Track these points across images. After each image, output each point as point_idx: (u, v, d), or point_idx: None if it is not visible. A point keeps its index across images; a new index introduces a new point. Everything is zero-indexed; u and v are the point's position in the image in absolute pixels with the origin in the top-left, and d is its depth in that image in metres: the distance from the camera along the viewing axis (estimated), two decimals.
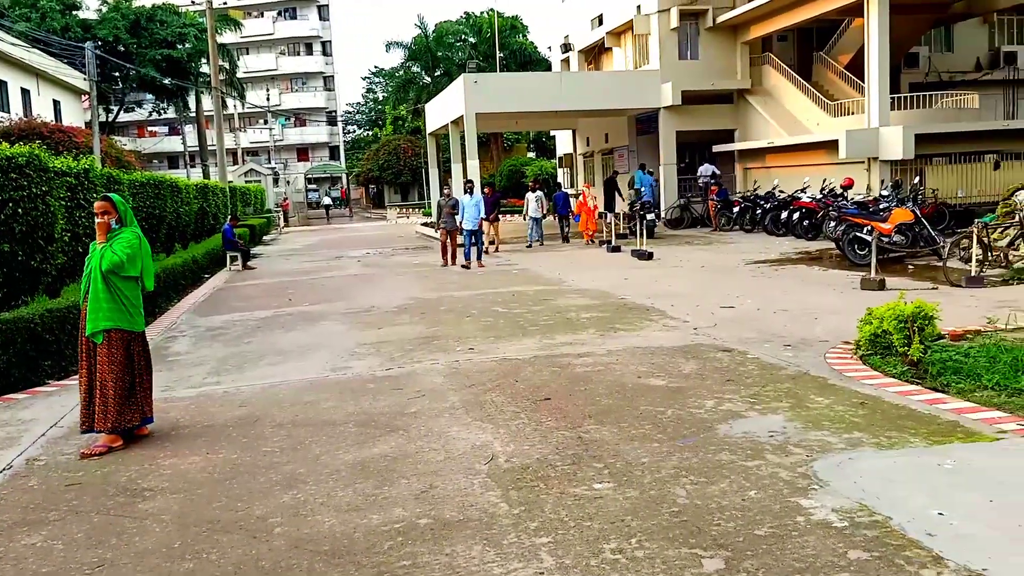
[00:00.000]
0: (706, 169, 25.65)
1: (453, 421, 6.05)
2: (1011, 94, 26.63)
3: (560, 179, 38.50)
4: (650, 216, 21.81)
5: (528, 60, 54.08)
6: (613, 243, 19.96)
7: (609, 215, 22.47)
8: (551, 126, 40.10)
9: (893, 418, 5.49)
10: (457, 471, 4.95)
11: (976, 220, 13.87)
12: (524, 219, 25.04)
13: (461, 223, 17.79)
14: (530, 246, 22.00)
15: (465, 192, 18.30)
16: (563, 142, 39.23)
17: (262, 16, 74.86)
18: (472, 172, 24.98)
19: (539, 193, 23.06)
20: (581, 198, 23.54)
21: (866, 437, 5.12)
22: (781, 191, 21.76)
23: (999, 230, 13.85)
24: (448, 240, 18.18)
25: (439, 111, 31.02)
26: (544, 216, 23.19)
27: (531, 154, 57.55)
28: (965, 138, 21.17)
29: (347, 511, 4.43)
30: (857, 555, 3.53)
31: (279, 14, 75.66)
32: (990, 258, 13.04)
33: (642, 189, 23.14)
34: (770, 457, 4.85)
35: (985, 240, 12.96)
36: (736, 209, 23.16)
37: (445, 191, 19.34)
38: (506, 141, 59.56)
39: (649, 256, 17.26)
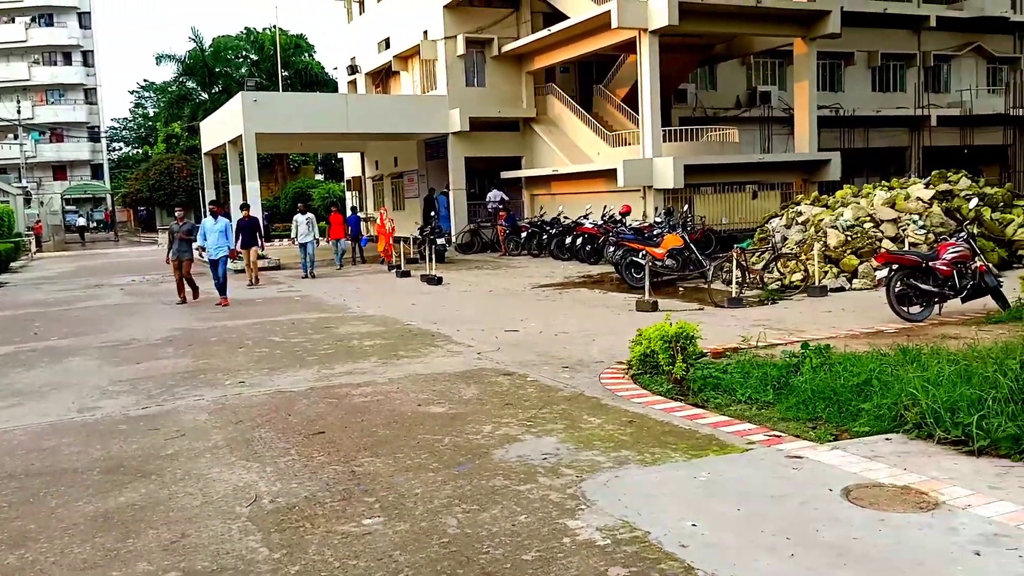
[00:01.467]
0: (495, 195, 26.36)
1: (215, 461, 5.67)
2: (767, 130, 29.67)
3: (349, 202, 37.97)
4: (440, 241, 22.02)
5: (314, 81, 53.11)
6: (402, 268, 19.91)
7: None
8: (338, 148, 39.56)
9: (657, 435, 5.82)
10: (215, 516, 4.63)
11: (735, 245, 15.23)
12: (294, 244, 22.22)
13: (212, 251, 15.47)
14: (306, 276, 19.98)
15: (210, 215, 15.94)
16: (351, 165, 38.78)
17: (13, 22, 68.01)
18: (252, 194, 24.03)
19: (309, 216, 21.06)
20: (379, 221, 23.35)
21: (632, 455, 5.37)
22: (566, 217, 22.77)
23: (756, 254, 15.31)
24: (181, 272, 15.49)
25: (216, 129, 29.62)
26: (316, 241, 21.32)
27: (319, 176, 56.37)
28: (728, 169, 23.31)
29: (83, 569, 4.00)
30: (617, 572, 3.66)
31: (33, 20, 69.06)
32: (748, 280, 14.36)
33: (443, 212, 23.32)
34: (542, 480, 4.96)
35: (744, 264, 14.27)
36: (524, 234, 23.95)
37: (177, 213, 16.52)
38: (292, 163, 57.90)
39: (438, 281, 17.38)
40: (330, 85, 50.60)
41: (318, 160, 58.04)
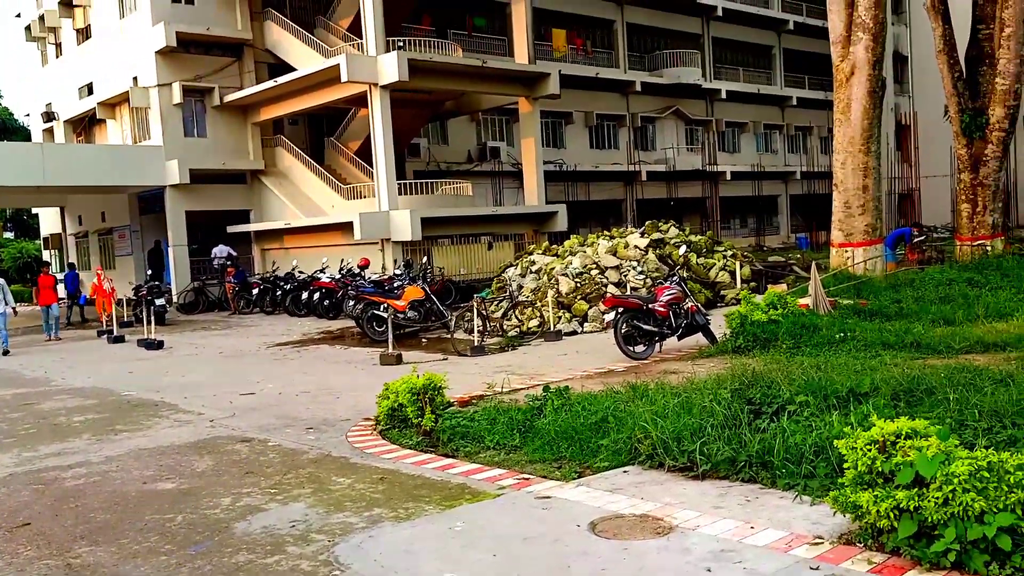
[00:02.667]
0: (221, 250, 25.18)
1: None
2: (498, 183, 31.25)
3: (49, 260, 34.30)
4: (159, 301, 20.57)
5: (2, 128, 47.88)
6: (115, 333, 18.29)
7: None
8: (32, 203, 35.78)
9: (409, 489, 5.80)
10: None
11: (475, 295, 15.77)
12: None
13: None
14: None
15: None
16: (49, 220, 35.13)
17: None
18: None
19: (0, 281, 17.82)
20: (96, 280, 21.30)
21: (385, 512, 5.31)
22: (301, 272, 22.26)
23: (495, 303, 15.95)
24: None
25: None
26: (14, 309, 18.08)
27: (8, 234, 50.53)
28: (464, 222, 24.17)
29: None
30: None
31: None
32: (489, 328, 14.89)
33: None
34: (291, 549, 4.74)
35: (484, 312, 14.79)
36: (256, 291, 23.03)
37: None
38: None
39: (159, 345, 16.16)
40: (22, 134, 45.86)
41: (6, 216, 52.04)
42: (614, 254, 16.95)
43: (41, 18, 31.42)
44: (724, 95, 39.04)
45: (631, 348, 11.18)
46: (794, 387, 6.57)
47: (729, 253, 18.74)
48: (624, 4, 35.57)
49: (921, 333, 10.25)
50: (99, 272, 22.10)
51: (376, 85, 22.17)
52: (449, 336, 14.11)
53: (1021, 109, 20.19)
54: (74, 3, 29.27)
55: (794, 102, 42.62)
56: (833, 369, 7.78)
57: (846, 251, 18.00)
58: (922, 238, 23.96)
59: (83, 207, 30.94)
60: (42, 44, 32.79)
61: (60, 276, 25.47)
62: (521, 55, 25.77)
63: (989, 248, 19.33)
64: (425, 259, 20.86)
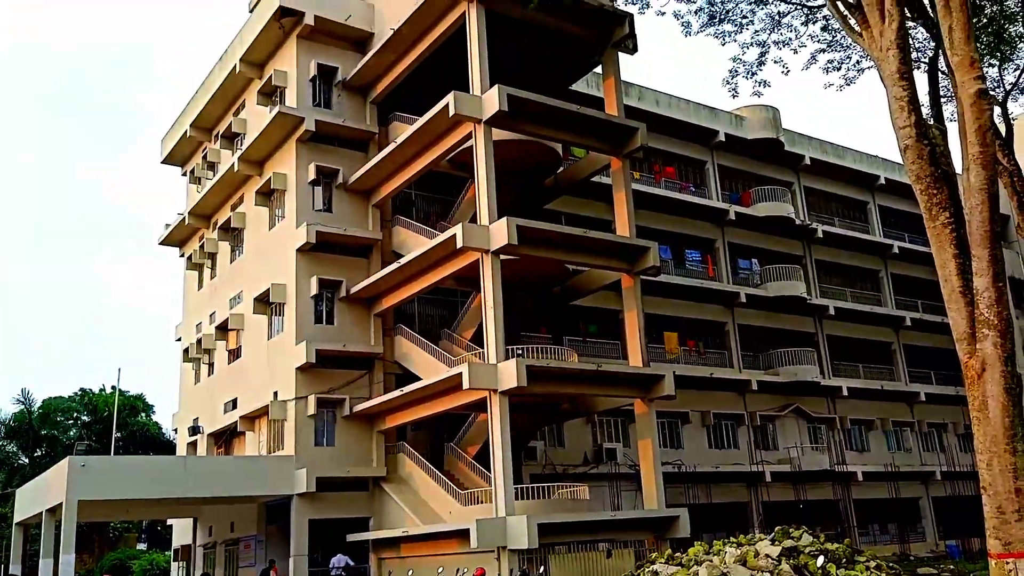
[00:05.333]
0: (339, 560, 24.80)
1: None
2: (615, 486, 30.36)
3: (174, 574, 34.56)
4: None
5: (150, 442, 51.06)
6: None
7: None
8: (169, 514, 36.89)
9: None
10: None
11: None
12: None
13: None
14: None
15: None
16: (181, 531, 35.91)
17: None
18: (66, 570, 21.48)
19: None
20: None
21: None
22: None
23: None
24: None
25: (34, 497, 27.39)
26: None
27: (141, 545, 51.68)
28: (581, 527, 23.21)
29: None
30: None
31: None
32: None
33: None
34: None
35: None
36: None
37: None
38: (112, 530, 53.21)
39: None
40: (168, 447, 48.67)
41: (142, 527, 53.68)
42: (744, 564, 15.68)
43: (198, 342, 34.57)
44: (845, 392, 38.00)
45: None
46: None
47: (873, 564, 16.99)
48: (735, 307, 36.36)
49: None
50: None
51: (495, 391, 22.72)
52: None
53: None
54: (229, 327, 32.25)
55: (922, 398, 40.90)
56: None
57: (1008, 563, 16.02)
58: None
59: (214, 517, 31.68)
60: (196, 365, 35.79)
61: None
62: (635, 358, 26.21)
63: None
64: (542, 568, 19.86)
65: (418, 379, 25.73)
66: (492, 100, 24.08)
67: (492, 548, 21.64)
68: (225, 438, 32.76)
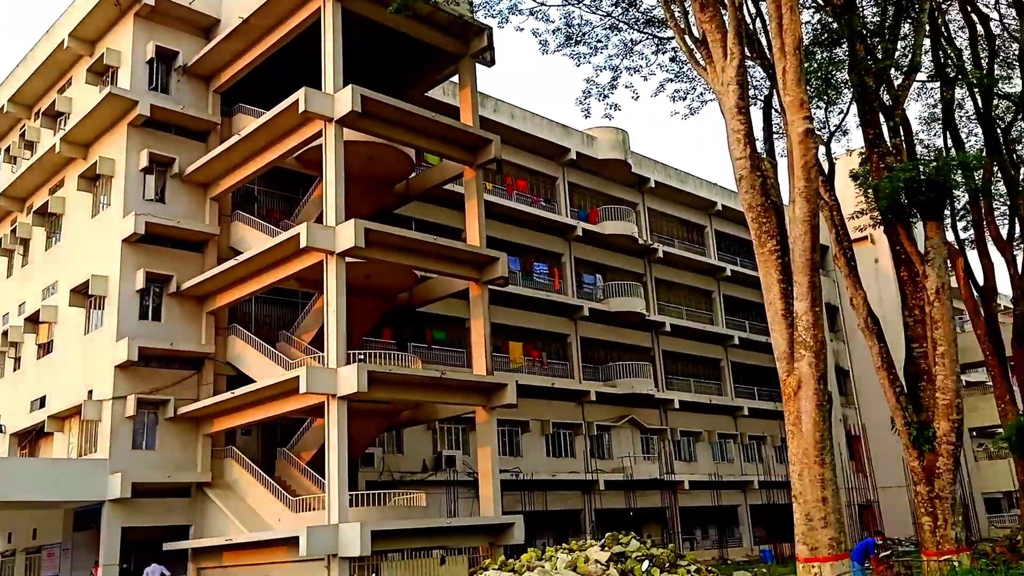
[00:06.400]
0: (153, 570, 23.47)
1: None
2: (452, 493, 30.46)
3: None
4: None
5: None
6: None
7: None
8: None
9: None
10: None
11: None
12: None
13: None
14: None
15: None
16: None
17: None
18: None
19: None
20: None
21: None
22: None
23: None
24: None
25: None
26: None
27: None
28: (417, 534, 23.13)
29: None
30: None
31: None
32: None
33: None
34: None
35: None
36: None
37: None
38: None
39: None
40: None
41: None
42: (574, 569, 16.14)
43: (4, 334, 31.94)
44: (677, 404, 39.94)
45: None
46: None
47: (693, 568, 17.95)
48: (578, 320, 37.44)
49: None
50: None
51: (334, 396, 22.28)
52: None
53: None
54: (40, 319, 29.88)
55: (746, 412, 43.64)
56: None
57: (813, 566, 17.34)
58: (888, 552, 23.40)
59: (14, 523, 29.17)
60: (1, 358, 32.92)
61: None
62: (479, 366, 26.44)
63: (956, 563, 18.86)
64: (374, 575, 19.63)
65: (252, 381, 24.85)
66: (344, 100, 23.68)
67: (322, 556, 21.19)
68: (31, 438, 30.30)
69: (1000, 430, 26.93)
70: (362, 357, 23.37)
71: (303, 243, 22.82)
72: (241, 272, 25.59)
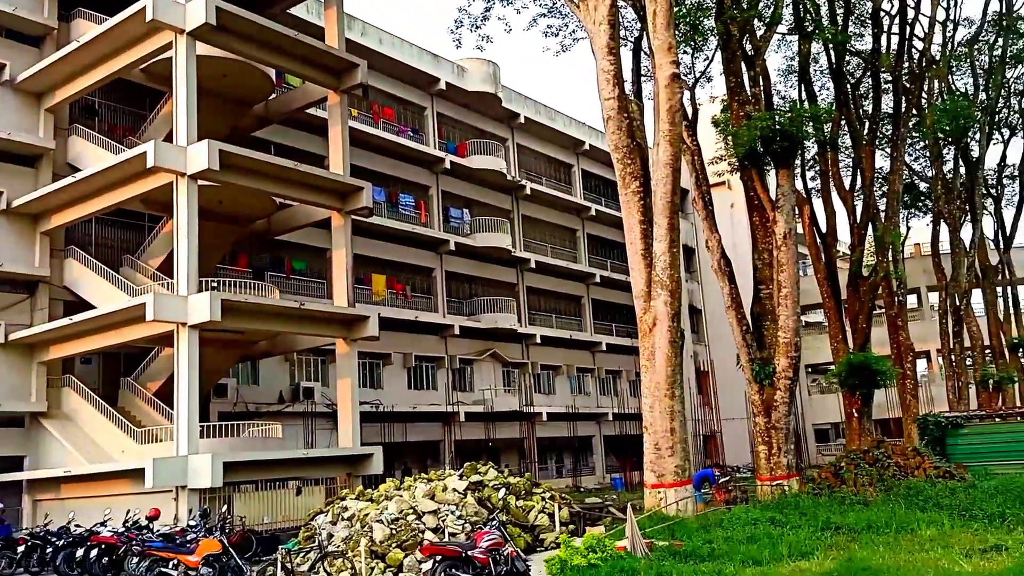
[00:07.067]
0: None
1: None
2: (310, 424, 30.19)
3: None
4: None
5: None
6: None
7: None
8: None
9: None
10: None
11: (280, 546, 14.61)
12: None
13: None
14: None
15: None
16: None
17: None
18: None
19: None
20: None
21: None
22: (77, 525, 19.82)
23: (302, 554, 14.78)
24: None
25: None
26: None
27: None
28: (271, 465, 22.88)
29: None
30: None
31: None
32: None
33: None
34: None
35: (289, 566, 13.62)
36: (21, 548, 20.13)
37: None
38: None
39: None
40: None
41: None
42: (432, 498, 16.43)
43: None
44: (539, 339, 40.87)
45: None
46: None
47: (548, 495, 18.66)
48: (444, 254, 37.41)
49: (732, 574, 10.36)
50: None
51: (184, 325, 21.45)
52: None
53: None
54: None
55: (604, 347, 45.20)
56: None
57: (659, 492, 18.42)
58: (727, 479, 25.09)
59: None
60: None
61: None
62: (340, 298, 26.06)
63: (787, 487, 20.47)
64: (224, 507, 19.32)
65: (92, 307, 23.53)
66: (197, 10, 22.24)
67: (170, 488, 20.65)
68: None
69: (832, 367, 29.09)
70: (215, 285, 22.52)
71: (150, 162, 21.53)
72: (80, 191, 23.95)
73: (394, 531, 15.14)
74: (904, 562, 10.93)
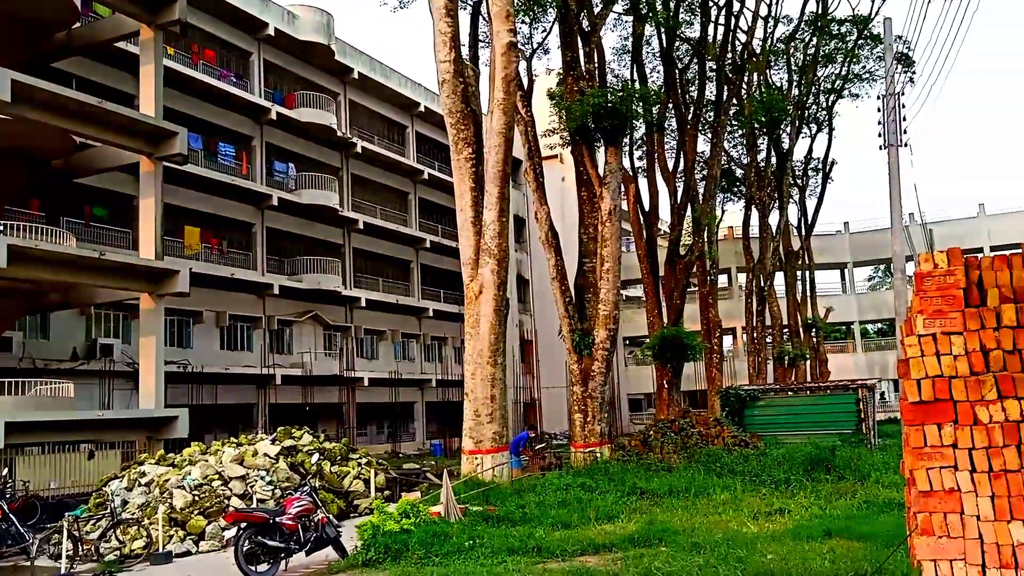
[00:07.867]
0: None
1: None
2: (108, 384, 28.32)
3: None
4: None
5: None
6: None
7: None
8: None
9: None
10: None
11: (67, 514, 13.70)
12: None
13: None
14: None
15: None
16: None
17: None
18: None
19: None
20: None
21: None
22: None
23: (91, 522, 13.92)
24: None
25: None
26: None
27: None
28: (61, 428, 21.33)
29: None
30: None
31: None
32: (83, 552, 12.87)
33: None
34: None
35: (76, 534, 12.80)
36: None
37: None
38: None
39: None
40: None
41: None
42: (241, 463, 15.90)
43: None
44: (364, 303, 40.30)
45: (253, 568, 10.28)
46: None
47: (364, 461, 18.55)
48: (266, 209, 35.98)
49: (542, 537, 10.72)
50: None
51: None
52: (29, 563, 11.91)
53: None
54: None
55: (431, 314, 45.24)
56: None
57: (476, 458, 18.72)
58: (542, 444, 25.88)
59: None
60: None
61: None
62: (147, 250, 24.52)
63: (599, 454, 21.39)
64: (5, 471, 17.87)
65: None
66: None
67: None
68: None
69: (648, 339, 30.55)
70: (1, 229, 20.58)
71: None
72: None
73: (197, 498, 14.55)
74: (699, 524, 11.71)
